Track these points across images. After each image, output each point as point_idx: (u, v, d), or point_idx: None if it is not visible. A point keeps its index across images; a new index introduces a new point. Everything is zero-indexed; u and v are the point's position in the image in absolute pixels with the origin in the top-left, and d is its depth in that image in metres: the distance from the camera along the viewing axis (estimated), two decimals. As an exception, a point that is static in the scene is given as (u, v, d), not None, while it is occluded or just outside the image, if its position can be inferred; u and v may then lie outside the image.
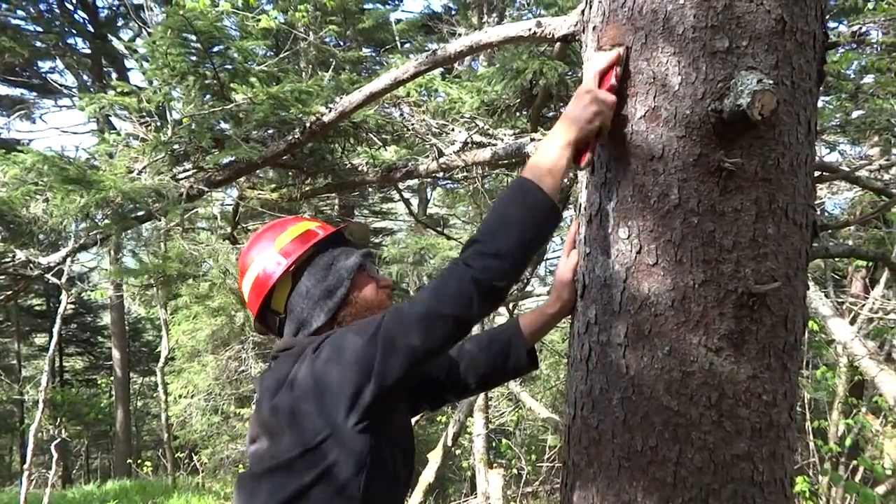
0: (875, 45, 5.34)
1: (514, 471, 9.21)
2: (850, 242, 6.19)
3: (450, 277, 1.34)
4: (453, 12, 11.40)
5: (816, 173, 2.68)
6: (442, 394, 1.78)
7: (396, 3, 13.13)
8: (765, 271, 1.33)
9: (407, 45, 11.18)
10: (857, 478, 6.08)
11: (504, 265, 1.33)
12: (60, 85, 12.51)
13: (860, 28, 4.61)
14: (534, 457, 9.55)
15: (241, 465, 11.64)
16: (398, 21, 11.38)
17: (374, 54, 11.35)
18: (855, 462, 5.59)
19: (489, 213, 1.40)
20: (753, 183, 1.31)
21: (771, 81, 1.25)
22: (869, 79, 5.28)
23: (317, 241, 1.58)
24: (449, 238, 8.66)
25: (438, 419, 11.64)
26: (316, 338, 1.45)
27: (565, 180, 1.48)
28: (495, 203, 1.42)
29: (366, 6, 10.94)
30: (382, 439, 1.37)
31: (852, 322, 5.84)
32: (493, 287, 1.32)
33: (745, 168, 1.30)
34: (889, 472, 5.31)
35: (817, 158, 4.25)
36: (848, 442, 5.93)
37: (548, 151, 1.40)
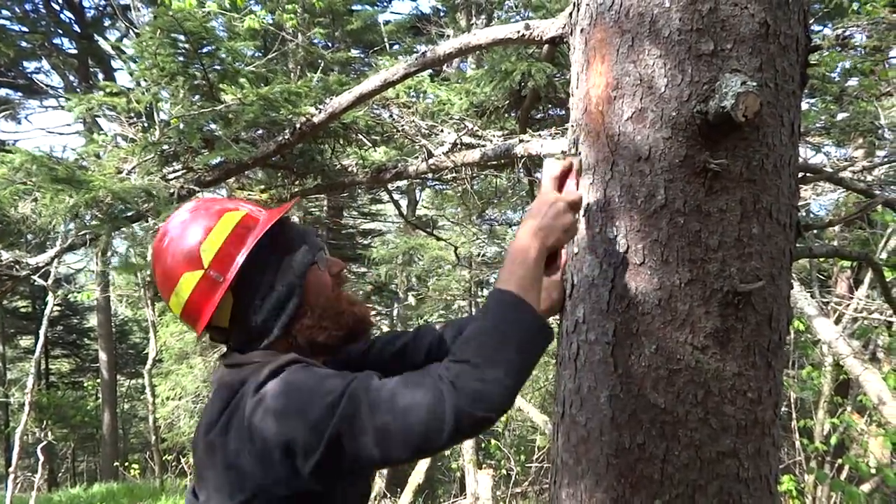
0: (859, 48, 5.41)
1: (504, 471, 9.24)
2: (836, 243, 6.27)
3: (428, 394, 1.12)
4: (442, 14, 11.42)
5: (800, 174, 2.71)
6: None
7: (385, 4, 13.12)
8: (749, 270, 1.35)
9: (396, 47, 11.19)
10: (843, 476, 6.14)
11: (496, 392, 1.14)
12: (46, 85, 12.45)
13: (844, 31, 4.67)
14: (523, 457, 9.57)
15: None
16: (387, 22, 11.40)
17: (362, 56, 11.35)
18: (840, 461, 5.65)
19: (479, 329, 1.21)
20: (738, 184, 1.33)
21: (755, 83, 1.27)
22: (853, 81, 5.35)
23: (255, 244, 1.31)
24: (438, 239, 8.67)
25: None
26: (257, 370, 1.25)
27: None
28: (484, 316, 1.24)
29: (354, 7, 10.93)
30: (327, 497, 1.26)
31: (837, 322, 5.90)
32: (476, 420, 1.12)
33: (730, 169, 1.32)
34: (874, 471, 5.36)
35: (802, 160, 4.29)
36: (833, 441, 5.99)
37: (526, 260, 1.29)
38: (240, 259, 1.29)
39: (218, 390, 1.29)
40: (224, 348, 1.45)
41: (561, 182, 1.42)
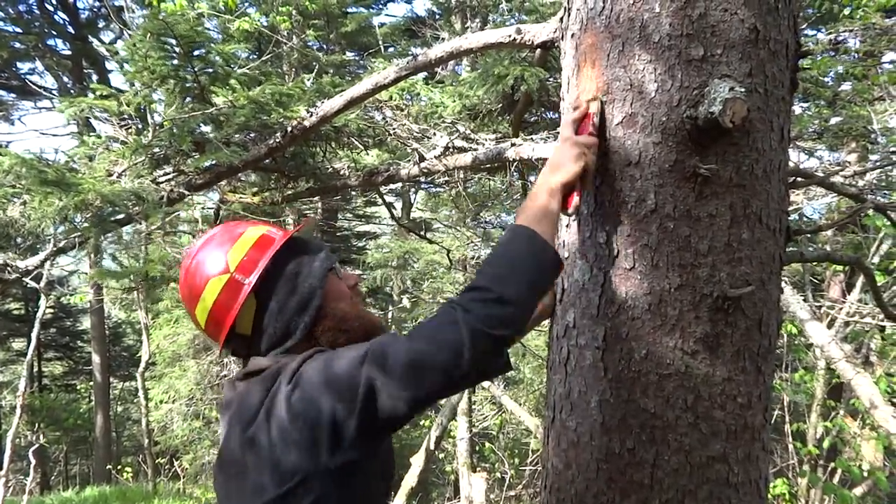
0: (852, 53, 5.43)
1: (498, 474, 9.24)
2: (829, 247, 6.29)
3: (444, 322, 1.19)
4: (437, 17, 11.43)
5: (792, 179, 2.71)
6: None
7: (380, 7, 13.11)
8: (739, 275, 1.35)
9: (390, 50, 11.18)
10: (836, 479, 6.15)
11: (507, 311, 1.19)
12: (40, 87, 12.39)
13: (836, 36, 4.69)
14: (517, 460, 9.57)
15: (222, 471, 11.51)
16: (381, 25, 11.37)
17: (357, 58, 11.33)
18: (833, 464, 5.66)
19: (489, 260, 1.30)
20: (728, 188, 1.33)
21: (742, 89, 1.27)
22: (846, 86, 5.37)
23: (277, 251, 1.38)
24: (431, 242, 8.67)
25: (421, 423, 11.64)
26: (289, 362, 1.30)
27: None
28: (494, 249, 1.32)
29: (349, 10, 10.92)
30: (365, 475, 1.28)
31: (830, 326, 5.91)
32: (493, 336, 1.17)
33: (720, 174, 1.32)
34: (866, 474, 5.38)
35: (794, 164, 4.31)
36: (826, 444, 6.00)
37: (538, 197, 1.35)
38: (263, 262, 1.36)
39: (249, 394, 1.30)
40: (214, 349, 1.44)
41: (578, 126, 1.43)
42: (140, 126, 3.71)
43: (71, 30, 13.02)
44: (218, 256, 1.38)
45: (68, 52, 13.38)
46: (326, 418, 1.18)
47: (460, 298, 1.22)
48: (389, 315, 13.78)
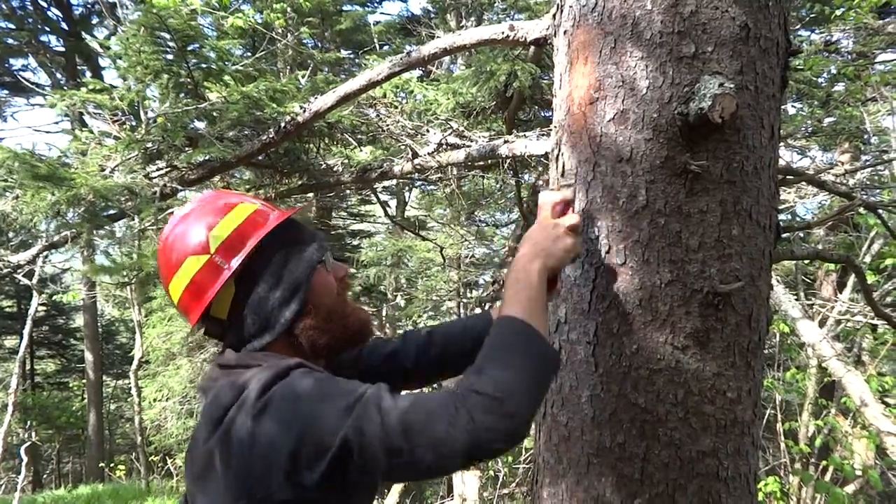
0: (845, 53, 5.46)
1: (491, 472, 9.24)
2: (821, 246, 6.32)
3: (444, 417, 1.07)
4: (432, 15, 11.43)
5: (782, 177, 2.73)
6: (408, 382, 1.65)
7: (375, 5, 13.11)
8: (729, 271, 1.36)
9: (385, 48, 11.17)
10: (827, 477, 6.18)
11: (512, 427, 1.07)
12: (33, 83, 12.33)
13: (829, 36, 4.71)
14: (510, 458, 9.57)
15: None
16: (376, 23, 11.36)
17: (352, 56, 11.32)
18: (825, 462, 5.68)
19: (498, 359, 1.15)
20: (718, 185, 1.34)
21: (731, 85, 1.28)
22: (840, 87, 5.39)
23: (263, 236, 1.27)
24: (424, 239, 8.67)
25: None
26: (262, 370, 1.19)
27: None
28: (495, 341, 1.19)
29: (344, 8, 10.91)
30: None
31: (822, 324, 5.94)
32: (490, 451, 1.07)
33: (711, 170, 1.33)
34: (858, 472, 5.41)
35: (787, 163, 4.32)
36: (818, 442, 6.03)
37: (528, 282, 1.25)
38: (247, 248, 1.25)
39: (216, 397, 1.20)
40: (208, 347, 1.41)
41: (557, 209, 1.40)
42: (133, 121, 3.70)
43: (64, 26, 12.98)
44: (199, 231, 1.26)
45: (62, 49, 13.33)
46: (290, 456, 1.09)
47: (466, 399, 1.08)
48: (384, 313, 13.78)
